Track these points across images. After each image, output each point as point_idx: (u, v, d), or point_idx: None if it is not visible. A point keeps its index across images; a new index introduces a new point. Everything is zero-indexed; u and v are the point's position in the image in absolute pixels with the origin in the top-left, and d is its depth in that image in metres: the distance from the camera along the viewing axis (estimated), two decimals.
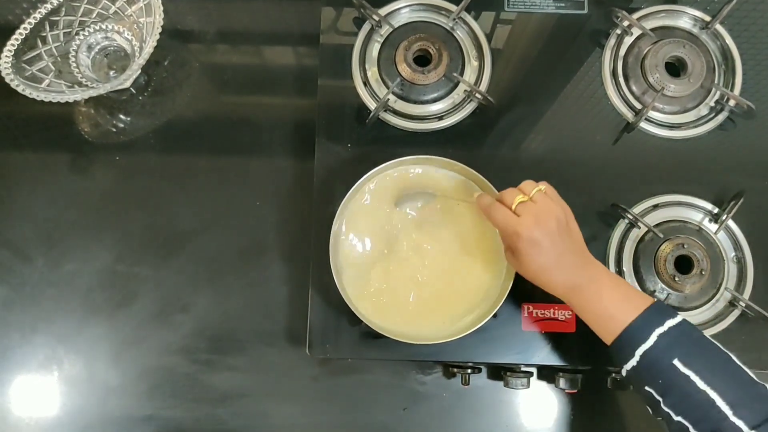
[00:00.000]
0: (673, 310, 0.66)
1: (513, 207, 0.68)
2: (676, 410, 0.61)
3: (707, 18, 0.91)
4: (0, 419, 0.86)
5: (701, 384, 0.60)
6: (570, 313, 0.80)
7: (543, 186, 0.69)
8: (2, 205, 0.92)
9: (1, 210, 0.92)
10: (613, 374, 0.82)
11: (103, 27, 0.93)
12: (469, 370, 0.84)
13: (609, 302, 0.66)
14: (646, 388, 0.63)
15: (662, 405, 0.62)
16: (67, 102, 0.85)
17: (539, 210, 0.67)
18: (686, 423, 0.60)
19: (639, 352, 0.63)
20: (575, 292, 0.68)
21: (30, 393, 0.87)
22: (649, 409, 0.65)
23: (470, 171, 0.78)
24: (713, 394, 0.59)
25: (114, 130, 0.95)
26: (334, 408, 0.87)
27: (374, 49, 0.90)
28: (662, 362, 0.62)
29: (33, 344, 0.88)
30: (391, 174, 0.80)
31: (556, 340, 0.80)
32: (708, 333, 0.81)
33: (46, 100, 0.84)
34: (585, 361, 0.80)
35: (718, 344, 0.64)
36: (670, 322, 0.63)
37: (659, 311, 0.65)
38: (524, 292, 0.79)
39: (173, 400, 0.86)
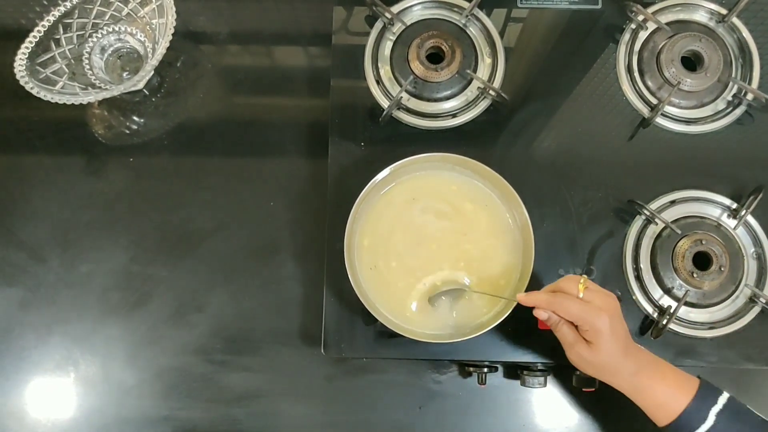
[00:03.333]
0: (717, 387, 0.68)
1: (581, 294, 0.66)
2: None
3: (723, 11, 0.90)
4: (17, 420, 0.87)
5: None
6: None
7: (584, 276, 0.69)
8: (17, 206, 0.92)
9: (17, 212, 0.92)
10: None
11: (116, 29, 0.94)
12: (486, 369, 0.83)
13: (664, 385, 0.67)
14: None
15: None
16: (80, 104, 0.85)
17: (603, 292, 0.68)
18: None
19: None
20: (637, 379, 0.68)
21: (46, 394, 0.87)
22: None
23: (485, 168, 0.77)
24: None
25: (127, 131, 0.95)
26: (349, 408, 0.87)
27: (387, 47, 0.90)
28: None
29: (49, 345, 0.88)
30: (406, 172, 0.80)
31: None
32: (728, 330, 0.80)
33: (60, 102, 0.85)
34: None
35: (758, 413, 0.68)
36: (722, 399, 0.66)
37: (709, 389, 0.67)
38: (540, 289, 0.78)
39: (189, 400, 0.86)
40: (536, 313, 0.69)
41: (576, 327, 0.68)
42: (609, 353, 0.66)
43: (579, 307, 0.65)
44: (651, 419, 0.69)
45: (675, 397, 0.66)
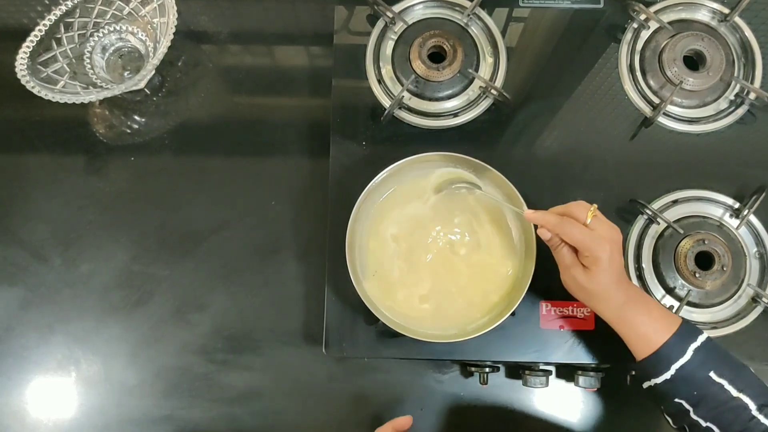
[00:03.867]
0: (698, 327, 0.69)
1: (588, 221, 0.68)
2: (706, 418, 0.65)
3: (726, 10, 0.90)
4: (18, 420, 0.87)
5: (734, 391, 0.64)
6: (589, 310, 0.79)
7: (594, 205, 0.70)
8: (19, 206, 0.92)
9: (18, 211, 0.92)
10: (633, 372, 0.81)
11: (117, 28, 0.94)
12: (487, 369, 0.83)
13: (649, 319, 0.69)
14: (677, 400, 0.66)
15: (691, 414, 0.66)
16: (81, 103, 0.85)
17: (609, 224, 0.69)
18: (715, 428, 0.65)
19: (675, 366, 0.66)
20: (623, 310, 0.70)
21: (48, 393, 0.87)
22: (670, 419, 0.70)
23: (487, 167, 0.77)
24: (746, 399, 0.64)
25: (129, 131, 0.95)
26: (351, 407, 0.87)
27: (388, 46, 0.89)
28: (698, 374, 0.66)
29: (50, 344, 0.88)
30: (408, 171, 0.80)
31: (575, 337, 0.79)
32: (730, 330, 0.80)
33: (62, 101, 0.85)
34: (605, 358, 0.79)
35: (734, 356, 0.69)
36: (701, 338, 0.67)
37: (690, 328, 0.69)
38: (542, 289, 0.78)
39: (190, 399, 0.86)
40: (540, 231, 0.71)
41: (576, 251, 0.69)
42: (603, 281, 0.68)
43: (583, 233, 0.67)
44: (631, 351, 0.70)
45: (657, 331, 0.68)
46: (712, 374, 0.65)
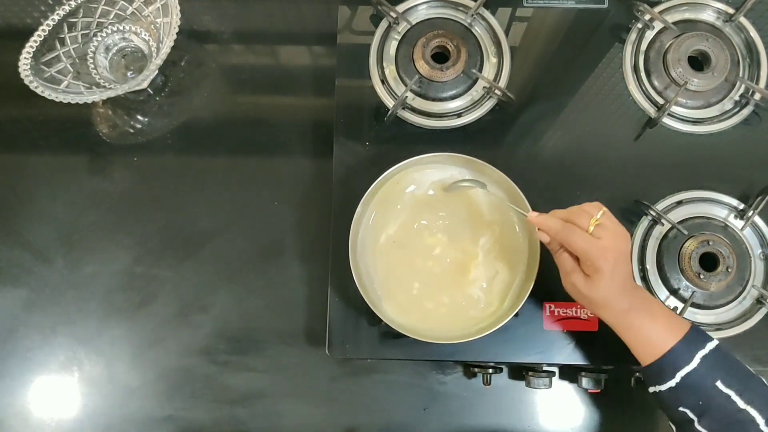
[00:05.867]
0: (708, 334, 0.67)
1: (590, 230, 0.65)
2: (711, 429, 0.63)
3: (731, 10, 0.89)
4: (21, 420, 0.87)
5: (742, 404, 0.63)
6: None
7: (604, 208, 0.68)
8: (22, 207, 0.92)
9: (21, 212, 0.92)
10: (638, 373, 0.81)
11: (121, 28, 0.93)
12: (491, 370, 0.83)
13: (653, 325, 0.67)
14: (681, 408, 0.65)
15: (696, 424, 0.64)
16: (85, 103, 0.85)
17: (616, 232, 0.66)
18: None
19: (681, 374, 0.64)
20: (627, 316, 0.68)
21: (51, 394, 0.87)
22: (674, 427, 0.68)
23: (491, 168, 0.77)
24: (753, 412, 0.62)
25: (132, 131, 0.95)
26: (354, 408, 0.87)
27: (392, 46, 0.89)
28: (704, 384, 0.64)
29: (53, 345, 0.88)
30: (411, 172, 0.80)
31: (579, 339, 0.79)
32: (734, 332, 0.80)
33: (65, 101, 0.85)
34: (608, 360, 0.79)
35: (747, 366, 0.67)
36: (710, 345, 0.66)
37: (699, 334, 0.67)
38: (546, 290, 0.78)
39: (193, 400, 0.86)
40: (539, 235, 0.69)
41: (577, 257, 0.67)
42: (604, 290, 0.66)
43: (585, 242, 0.64)
44: (636, 357, 0.68)
45: (662, 337, 0.66)
46: (719, 384, 0.63)
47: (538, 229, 0.69)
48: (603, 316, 0.69)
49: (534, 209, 0.75)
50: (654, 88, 0.88)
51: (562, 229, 0.66)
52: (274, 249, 0.90)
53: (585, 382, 0.81)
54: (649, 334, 0.67)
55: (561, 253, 0.68)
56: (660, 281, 0.81)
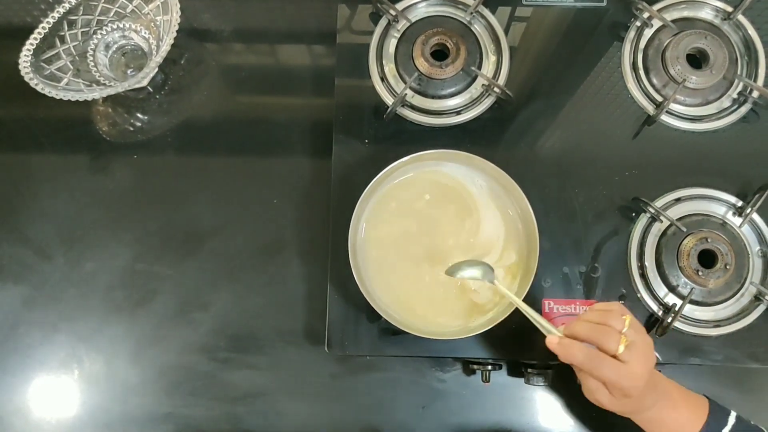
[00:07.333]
0: (724, 406, 0.69)
1: (620, 351, 0.60)
2: None
3: (729, 8, 0.90)
4: (21, 417, 0.87)
5: None
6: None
7: (629, 316, 0.63)
8: (23, 204, 0.92)
9: (22, 209, 0.92)
10: None
11: (121, 26, 0.94)
12: (490, 367, 0.83)
13: (676, 413, 0.67)
14: None
15: None
16: (85, 101, 0.85)
17: (644, 350, 0.62)
18: None
19: None
20: (651, 412, 0.67)
21: (51, 391, 0.87)
22: None
23: (490, 165, 0.77)
24: None
25: (132, 129, 0.95)
26: (353, 406, 0.87)
27: (391, 44, 0.89)
28: None
29: (54, 343, 0.88)
30: (411, 169, 0.80)
31: None
32: (733, 328, 0.80)
33: (65, 98, 0.85)
34: None
35: (764, 429, 0.68)
36: (731, 420, 0.67)
37: (718, 410, 0.68)
38: (545, 287, 0.78)
39: (192, 398, 0.86)
40: (562, 359, 0.63)
41: None
42: (631, 406, 0.64)
43: (615, 373, 0.60)
44: None
45: (687, 425, 0.66)
46: None
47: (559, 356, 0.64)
48: (637, 416, 0.67)
49: (532, 207, 0.75)
50: (653, 85, 0.88)
51: (588, 361, 0.61)
52: (274, 247, 0.90)
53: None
54: (674, 425, 0.66)
55: (584, 375, 0.63)
56: (659, 278, 0.81)
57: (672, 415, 0.67)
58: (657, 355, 0.77)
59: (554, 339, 0.64)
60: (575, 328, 0.63)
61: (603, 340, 0.61)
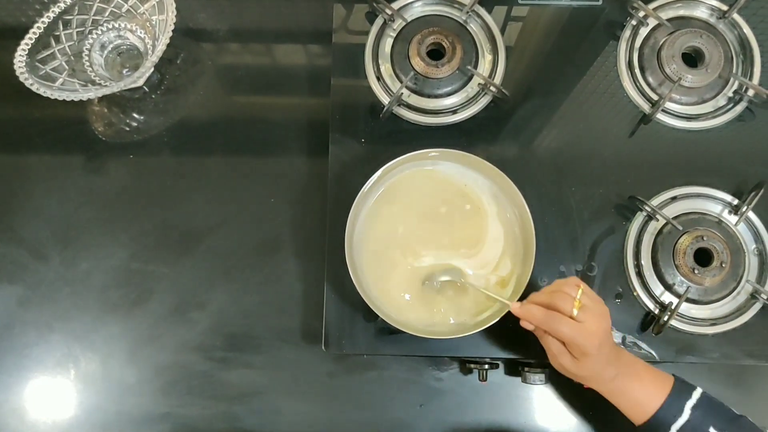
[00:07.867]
0: (691, 383, 0.71)
1: (574, 313, 0.66)
2: None
3: (724, 7, 0.90)
4: (17, 417, 0.87)
5: None
6: None
7: (582, 285, 0.68)
8: (18, 204, 0.92)
9: (17, 209, 0.92)
10: None
11: (116, 25, 0.93)
12: (487, 366, 0.83)
13: (640, 385, 0.69)
14: None
15: None
16: (80, 101, 0.85)
17: (597, 312, 0.67)
18: None
19: (675, 427, 0.67)
20: (614, 382, 0.69)
21: (47, 391, 0.87)
22: None
23: (486, 164, 0.77)
24: None
25: (127, 128, 0.95)
26: (350, 404, 0.87)
27: (387, 44, 0.89)
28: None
29: (49, 342, 0.88)
30: (407, 168, 0.80)
31: None
32: (729, 326, 0.80)
33: (60, 98, 0.85)
34: None
35: (731, 408, 0.70)
36: (696, 394, 0.69)
37: (684, 385, 0.70)
38: (541, 286, 0.78)
39: (189, 397, 0.86)
40: (524, 324, 0.69)
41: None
42: (592, 368, 0.67)
43: (571, 329, 0.65)
44: (628, 418, 0.70)
45: (651, 396, 0.68)
46: (711, 430, 0.66)
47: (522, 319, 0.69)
48: (593, 386, 0.71)
49: (528, 205, 0.75)
50: (648, 84, 0.88)
51: (546, 319, 0.67)
52: (271, 246, 0.90)
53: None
54: (638, 395, 0.69)
55: (547, 338, 0.68)
56: (655, 277, 0.81)
57: (635, 385, 0.69)
58: (653, 352, 0.79)
59: (517, 304, 0.70)
60: (535, 297, 0.70)
61: (559, 304, 0.66)
